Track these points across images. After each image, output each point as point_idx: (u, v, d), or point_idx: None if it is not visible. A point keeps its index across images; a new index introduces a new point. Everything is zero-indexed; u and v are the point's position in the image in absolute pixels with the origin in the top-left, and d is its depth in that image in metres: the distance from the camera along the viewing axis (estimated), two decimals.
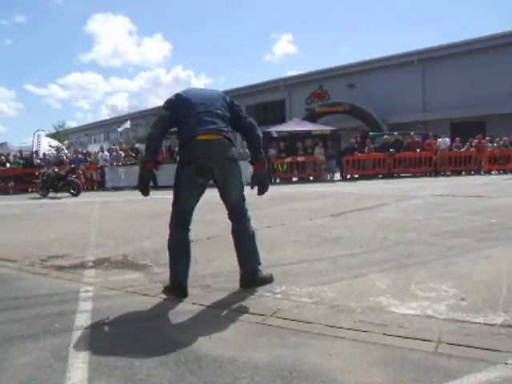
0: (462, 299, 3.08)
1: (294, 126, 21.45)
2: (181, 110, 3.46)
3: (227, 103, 3.59)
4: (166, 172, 13.79)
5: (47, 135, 31.00)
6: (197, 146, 3.33)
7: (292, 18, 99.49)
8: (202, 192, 3.49)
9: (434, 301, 3.08)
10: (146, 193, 3.58)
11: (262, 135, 3.78)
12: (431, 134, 21.08)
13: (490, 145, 19.50)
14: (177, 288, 3.41)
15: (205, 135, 3.34)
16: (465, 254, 4.39)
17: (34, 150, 23.37)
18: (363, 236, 5.52)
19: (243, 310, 3.07)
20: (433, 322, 2.72)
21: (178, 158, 3.58)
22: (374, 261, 4.25)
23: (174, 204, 3.48)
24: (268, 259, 4.16)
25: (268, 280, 3.54)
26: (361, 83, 32.43)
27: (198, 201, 3.50)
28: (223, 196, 3.54)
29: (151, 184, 3.63)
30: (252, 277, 3.52)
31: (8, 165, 20.43)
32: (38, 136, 25.86)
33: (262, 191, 3.66)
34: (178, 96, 3.56)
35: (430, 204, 8.61)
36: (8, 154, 22.12)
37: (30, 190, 18.91)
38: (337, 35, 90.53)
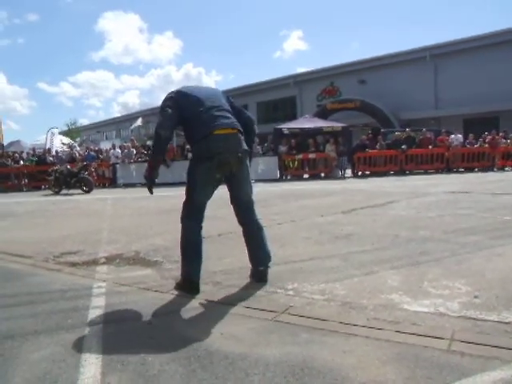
0: (476, 297, 3.05)
1: (305, 122, 21.41)
2: (188, 107, 3.42)
3: (227, 99, 3.64)
4: (177, 169, 13.89)
5: (60, 133, 31.26)
6: (216, 140, 3.32)
7: (302, 15, 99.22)
8: (217, 187, 3.50)
9: (447, 298, 3.05)
10: (152, 191, 3.57)
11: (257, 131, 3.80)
12: (444, 130, 20.91)
13: (503, 141, 19.26)
14: (189, 285, 3.42)
15: (221, 130, 3.35)
16: (478, 251, 4.35)
17: (47, 147, 23.59)
18: (374, 233, 5.50)
19: (255, 307, 3.07)
20: (446, 319, 2.70)
21: (191, 154, 3.58)
22: (386, 258, 4.23)
23: (189, 198, 3.48)
24: (279, 256, 4.16)
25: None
26: (372, 79, 32.23)
27: (211, 196, 3.51)
28: (237, 191, 3.55)
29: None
30: (266, 272, 3.59)
31: (21, 162, 20.66)
32: (52, 134, 26.10)
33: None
34: (179, 93, 3.52)
35: (442, 201, 8.54)
36: (21, 152, 22.40)
37: (42, 187, 19.12)
38: (347, 31, 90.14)
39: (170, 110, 3.39)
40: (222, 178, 3.46)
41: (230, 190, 3.58)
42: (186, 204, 3.50)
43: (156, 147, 3.49)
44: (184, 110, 3.42)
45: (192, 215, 3.47)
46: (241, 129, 3.47)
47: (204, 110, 3.39)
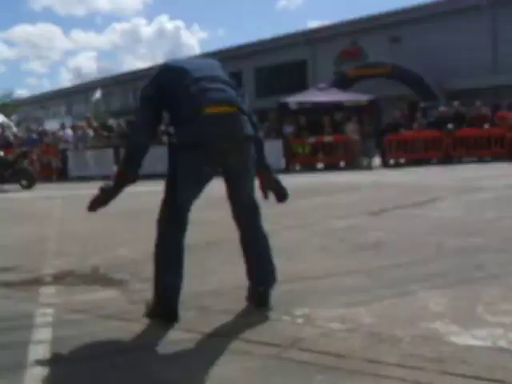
0: None
1: (319, 94, 21.38)
2: (172, 83, 3.40)
3: (228, 75, 3.61)
4: (150, 157, 13.84)
5: None
6: (205, 123, 3.25)
7: None
8: (207, 184, 3.48)
9: (509, 328, 3.05)
10: (97, 207, 3.54)
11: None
12: (506, 104, 20.88)
13: None
14: (164, 310, 3.41)
15: (214, 107, 3.27)
16: None
17: None
18: (412, 241, 5.51)
19: (253, 340, 3.06)
20: (508, 357, 2.69)
21: (174, 139, 3.49)
22: (427, 274, 4.23)
23: (169, 197, 3.46)
24: (286, 272, 4.15)
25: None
26: (408, 36, 32.22)
27: (199, 195, 3.50)
28: (235, 190, 3.54)
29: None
30: (268, 294, 3.58)
31: None
32: None
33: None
34: (162, 70, 3.54)
35: (502, 199, 8.56)
36: None
37: None
38: None
39: (146, 106, 3.42)
40: (215, 172, 3.45)
41: (227, 187, 3.55)
42: (164, 204, 3.48)
43: (128, 157, 3.49)
44: (167, 90, 3.39)
45: (172, 218, 3.45)
46: (242, 106, 3.43)
47: (191, 82, 3.33)
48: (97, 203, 3.49)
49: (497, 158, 18.76)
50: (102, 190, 3.47)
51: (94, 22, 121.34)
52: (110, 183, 3.47)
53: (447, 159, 18.61)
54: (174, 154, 3.42)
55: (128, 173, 3.46)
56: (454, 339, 2.94)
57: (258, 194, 3.63)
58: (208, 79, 3.38)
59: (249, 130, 3.40)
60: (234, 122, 3.34)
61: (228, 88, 3.42)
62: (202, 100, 3.27)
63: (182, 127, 3.37)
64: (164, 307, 3.41)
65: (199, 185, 3.45)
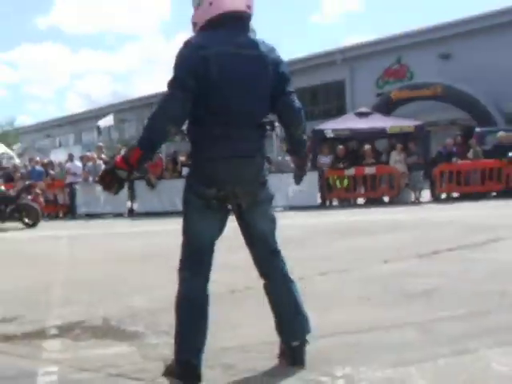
0: None
1: (359, 120, 21.43)
2: (204, 83, 3.31)
3: (273, 72, 3.49)
4: (168, 192, 13.97)
5: None
6: (221, 165, 3.35)
7: None
8: (226, 221, 3.53)
9: None
10: (114, 190, 3.43)
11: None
12: None
13: None
14: (185, 369, 3.37)
15: (231, 158, 3.36)
16: None
17: None
18: (470, 289, 5.44)
19: None
20: None
21: (188, 170, 3.58)
22: (489, 328, 4.17)
23: (186, 238, 3.51)
24: (323, 325, 4.12)
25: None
26: (460, 53, 32.26)
27: (220, 234, 3.53)
28: (249, 229, 3.57)
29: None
30: (303, 349, 3.56)
31: None
32: None
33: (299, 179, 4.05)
34: (197, 56, 3.31)
35: None
36: None
37: None
38: None
39: (175, 91, 3.30)
40: (229, 212, 3.51)
41: (241, 228, 3.60)
42: (183, 247, 3.52)
43: (153, 136, 3.36)
44: (198, 87, 3.31)
45: (192, 263, 3.46)
46: (263, 151, 3.54)
47: (221, 117, 3.35)
48: (113, 185, 3.41)
49: None
50: (114, 171, 3.37)
51: (105, 41, 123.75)
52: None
53: (508, 192, 18.41)
54: (187, 187, 3.50)
55: (146, 156, 3.42)
56: None
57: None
58: (239, 121, 3.38)
59: (263, 176, 3.51)
60: (248, 168, 3.43)
61: (253, 132, 3.46)
62: (222, 147, 3.34)
63: (196, 160, 3.50)
64: (185, 365, 3.39)
65: (217, 222, 3.47)
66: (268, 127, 3.56)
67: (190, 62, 3.30)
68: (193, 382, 3.33)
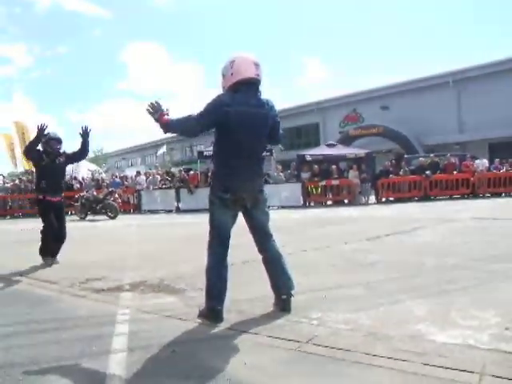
0: (507, 328, 2.95)
1: (328, 149, 21.39)
2: (223, 130, 3.43)
3: (271, 123, 3.57)
4: (201, 196, 14.03)
5: (87, 160, 31.95)
6: (232, 181, 3.44)
7: (321, 41, 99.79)
8: (237, 214, 3.57)
9: (477, 330, 2.96)
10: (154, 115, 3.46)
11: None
12: (469, 155, 20.64)
13: None
14: (213, 313, 3.40)
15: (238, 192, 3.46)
16: (508, 279, 4.23)
17: (73, 174, 24.23)
18: (400, 261, 5.41)
19: (279, 337, 3.03)
20: (475, 352, 2.61)
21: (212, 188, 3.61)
22: (412, 286, 4.15)
23: (211, 225, 3.54)
24: (303, 284, 4.12)
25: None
26: (395, 105, 32.14)
27: (234, 222, 3.56)
28: (252, 222, 3.62)
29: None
30: (289, 301, 3.57)
31: None
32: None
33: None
34: (223, 109, 3.36)
35: (469, 227, 8.39)
36: None
37: (69, 212, 19.47)
38: (368, 58, 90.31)
39: (198, 119, 3.38)
40: (239, 209, 3.55)
41: (246, 220, 3.64)
42: (209, 233, 3.54)
43: (181, 125, 3.47)
44: (219, 127, 3.45)
45: (215, 244, 3.50)
46: (262, 173, 3.69)
47: (234, 156, 3.43)
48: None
49: (463, 196, 18.49)
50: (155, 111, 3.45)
51: (162, 96, 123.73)
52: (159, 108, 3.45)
53: (426, 197, 18.35)
54: (210, 191, 3.57)
55: (169, 127, 3.46)
56: (433, 338, 2.87)
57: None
58: (247, 160, 3.47)
59: (260, 186, 3.60)
60: (252, 183, 3.53)
61: (257, 168, 3.59)
62: (233, 175, 3.44)
63: (216, 175, 3.61)
64: (212, 311, 3.41)
65: (231, 215, 3.51)
66: (267, 153, 3.64)
67: (214, 112, 3.37)
68: (217, 321, 3.36)
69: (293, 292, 3.60)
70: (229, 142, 3.44)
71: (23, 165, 22.57)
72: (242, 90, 3.41)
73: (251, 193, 3.49)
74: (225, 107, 3.34)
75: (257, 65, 3.45)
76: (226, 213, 3.48)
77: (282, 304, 3.57)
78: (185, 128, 3.49)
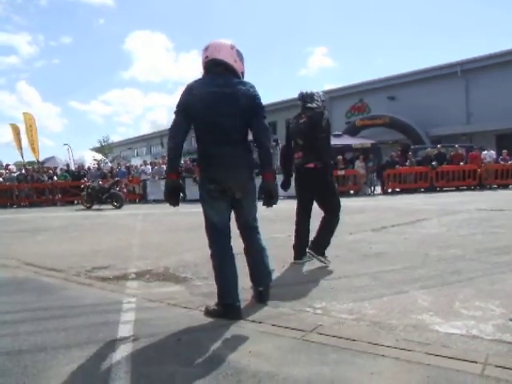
0: (511, 319, 2.96)
1: (334, 139, 21.28)
2: (194, 115, 3.29)
3: (245, 103, 3.30)
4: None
5: (92, 149, 32.17)
6: (215, 171, 3.30)
7: (327, 31, 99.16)
8: (229, 209, 3.43)
9: (480, 320, 2.98)
10: (174, 203, 3.37)
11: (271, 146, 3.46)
12: (476, 146, 20.52)
13: None
14: (231, 310, 3.28)
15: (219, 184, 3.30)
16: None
17: (67, 163, 24.76)
18: (405, 251, 5.42)
19: (283, 325, 3.05)
20: (479, 342, 2.63)
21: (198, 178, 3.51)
22: (416, 277, 4.16)
23: (204, 220, 3.45)
24: (307, 274, 4.13)
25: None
26: (402, 95, 31.92)
27: (228, 216, 3.43)
28: (239, 213, 3.47)
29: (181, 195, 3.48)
30: (266, 292, 3.56)
31: (55, 178, 21.22)
32: (68, 150, 27.80)
33: (269, 202, 3.35)
34: (186, 94, 3.31)
35: (474, 219, 8.36)
36: (55, 168, 23.05)
37: (75, 202, 19.58)
38: (375, 47, 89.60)
39: (177, 117, 3.29)
40: (229, 197, 3.37)
41: (233, 209, 3.47)
42: (205, 226, 3.45)
43: (167, 162, 3.41)
44: (192, 117, 3.31)
45: (211, 235, 3.41)
46: (248, 160, 3.37)
47: (211, 142, 3.30)
48: (169, 199, 3.36)
49: (470, 187, 18.41)
50: (165, 199, 3.38)
51: (166, 87, 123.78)
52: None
53: (432, 189, 18.31)
54: (199, 183, 3.46)
55: (168, 175, 3.38)
56: (436, 328, 2.89)
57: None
58: (216, 133, 3.27)
59: (246, 176, 3.34)
60: (235, 172, 3.31)
61: (236, 150, 3.30)
62: (213, 173, 3.30)
63: (200, 165, 3.42)
64: (231, 308, 3.29)
65: (223, 205, 3.37)
66: (254, 144, 3.45)
67: (185, 100, 3.28)
68: (236, 318, 3.23)
69: (271, 285, 3.59)
70: (201, 127, 3.31)
71: (33, 155, 22.70)
72: (212, 72, 3.36)
73: (238, 182, 3.31)
74: (191, 92, 3.28)
75: (227, 47, 3.37)
76: (215, 206, 3.35)
77: (259, 296, 3.54)
78: (173, 128, 3.31)
